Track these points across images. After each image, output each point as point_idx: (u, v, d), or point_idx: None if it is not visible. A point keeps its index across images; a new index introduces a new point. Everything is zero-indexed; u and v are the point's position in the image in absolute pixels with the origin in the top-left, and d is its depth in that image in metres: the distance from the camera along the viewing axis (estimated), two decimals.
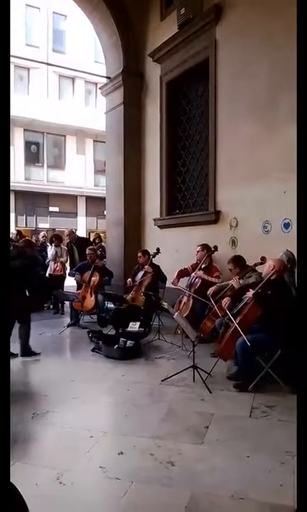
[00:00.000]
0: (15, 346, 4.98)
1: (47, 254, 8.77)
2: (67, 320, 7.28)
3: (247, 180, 6.09)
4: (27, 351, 5.22)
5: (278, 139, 5.54)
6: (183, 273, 6.39)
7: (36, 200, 21.19)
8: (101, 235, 11.39)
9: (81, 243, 8.69)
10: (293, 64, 4.83)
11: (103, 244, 10.20)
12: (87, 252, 7.38)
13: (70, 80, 22.28)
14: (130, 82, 8.85)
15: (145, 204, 8.97)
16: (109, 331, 6.04)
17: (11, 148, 19.33)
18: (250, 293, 4.16)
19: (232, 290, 4.96)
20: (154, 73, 8.52)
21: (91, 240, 10.95)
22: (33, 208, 21.26)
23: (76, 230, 9.05)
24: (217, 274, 6.01)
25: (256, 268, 4.98)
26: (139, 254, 6.96)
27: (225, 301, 4.39)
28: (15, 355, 5.09)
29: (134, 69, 8.88)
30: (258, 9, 5.90)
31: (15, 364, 4.88)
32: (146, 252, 6.98)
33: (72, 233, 8.98)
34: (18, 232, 9.39)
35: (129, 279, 6.90)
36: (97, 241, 10.43)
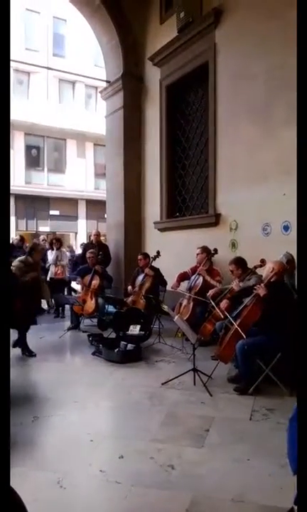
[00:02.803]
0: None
1: (47, 258, 8.76)
2: (68, 324, 7.28)
3: (247, 182, 6.11)
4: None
5: (278, 141, 5.56)
6: (183, 276, 6.39)
7: (37, 204, 21.22)
8: (101, 237, 11.31)
9: (102, 248, 8.27)
10: (291, 67, 4.86)
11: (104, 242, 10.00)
12: (87, 256, 7.40)
13: (70, 83, 22.36)
14: (130, 85, 8.89)
15: (145, 207, 8.98)
16: (110, 334, 6.03)
17: (11, 152, 19.38)
18: (260, 289, 4.05)
19: (232, 292, 4.96)
20: (154, 77, 8.55)
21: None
22: (34, 211, 21.30)
23: (99, 232, 8.76)
24: (219, 278, 5.97)
25: (256, 270, 4.97)
26: (139, 257, 6.98)
27: (223, 304, 4.37)
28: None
29: (134, 73, 8.92)
30: (257, 13, 5.93)
31: (16, 367, 4.88)
32: (146, 255, 7.00)
33: (98, 235, 8.64)
34: (21, 238, 9.33)
35: (130, 287, 6.87)
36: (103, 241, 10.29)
